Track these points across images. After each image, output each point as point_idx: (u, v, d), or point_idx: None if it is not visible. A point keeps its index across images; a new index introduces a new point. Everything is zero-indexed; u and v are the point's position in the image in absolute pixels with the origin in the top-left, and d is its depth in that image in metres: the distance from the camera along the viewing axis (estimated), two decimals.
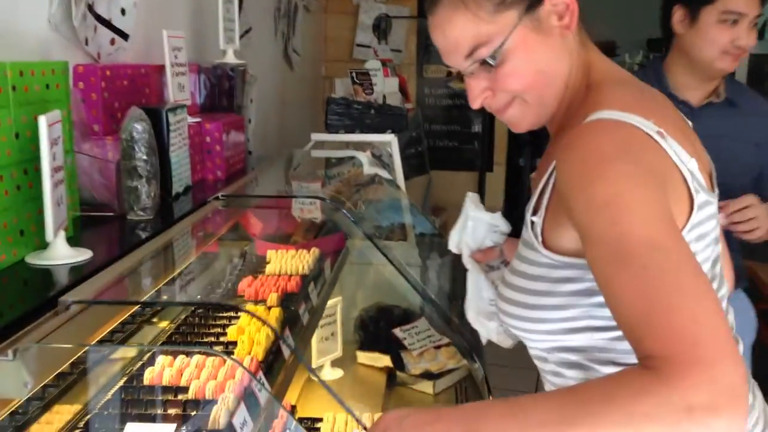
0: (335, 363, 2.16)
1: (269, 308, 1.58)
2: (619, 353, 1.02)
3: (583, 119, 0.99)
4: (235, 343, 1.43)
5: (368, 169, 2.54)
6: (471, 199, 1.31)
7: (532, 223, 1.05)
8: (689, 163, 0.99)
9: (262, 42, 3.35)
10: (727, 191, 1.96)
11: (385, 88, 3.32)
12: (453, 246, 1.34)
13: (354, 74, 3.10)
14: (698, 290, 0.83)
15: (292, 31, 3.95)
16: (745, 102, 2.01)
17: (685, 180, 0.99)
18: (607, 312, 0.95)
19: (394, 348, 2.18)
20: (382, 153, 2.94)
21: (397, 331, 2.22)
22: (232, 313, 1.60)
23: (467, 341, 1.98)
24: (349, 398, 2.03)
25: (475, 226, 1.31)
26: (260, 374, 1.27)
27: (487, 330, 1.29)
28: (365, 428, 1.27)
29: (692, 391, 0.77)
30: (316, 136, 2.72)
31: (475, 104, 1.10)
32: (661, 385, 0.78)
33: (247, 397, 1.21)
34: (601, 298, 0.93)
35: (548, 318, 1.04)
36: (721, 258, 1.14)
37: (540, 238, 1.04)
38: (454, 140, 5.03)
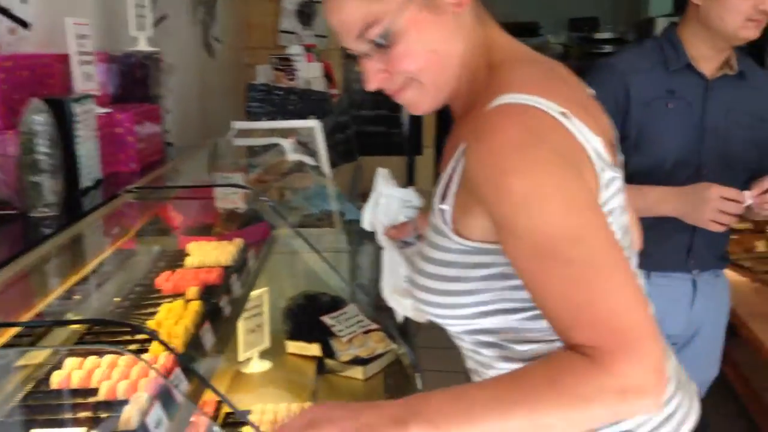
0: (263, 354, 2.13)
1: (188, 302, 1.53)
2: (534, 332, 1.02)
3: (487, 103, 0.97)
4: (150, 341, 1.38)
5: (292, 156, 2.50)
6: (382, 176, 1.29)
7: (442, 210, 1.03)
8: (594, 141, 0.98)
9: (179, 29, 3.26)
10: (735, 164, 1.94)
11: (309, 73, 3.27)
12: (366, 224, 1.32)
13: (275, 60, 3.04)
14: (620, 277, 0.88)
15: (213, 18, 3.85)
16: (752, 74, 1.96)
17: (591, 160, 0.97)
18: (520, 294, 0.98)
19: (323, 336, 2.16)
20: (309, 140, 2.90)
21: (326, 319, 2.20)
22: (150, 309, 1.55)
23: (396, 325, 1.97)
24: (279, 389, 2.00)
25: (388, 203, 1.28)
26: (177, 371, 1.23)
27: (402, 307, 1.27)
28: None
29: (624, 375, 0.84)
30: (238, 125, 2.66)
31: (371, 86, 1.06)
32: (597, 371, 0.85)
33: (163, 395, 1.17)
34: (514, 281, 0.97)
35: (462, 303, 1.03)
36: (631, 225, 1.16)
37: (451, 225, 1.02)
38: (382, 125, 5.02)
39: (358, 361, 2.08)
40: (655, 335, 0.87)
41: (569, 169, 0.92)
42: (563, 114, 0.95)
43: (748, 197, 1.74)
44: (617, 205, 1.04)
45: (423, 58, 1.03)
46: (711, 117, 1.88)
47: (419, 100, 1.08)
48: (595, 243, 0.89)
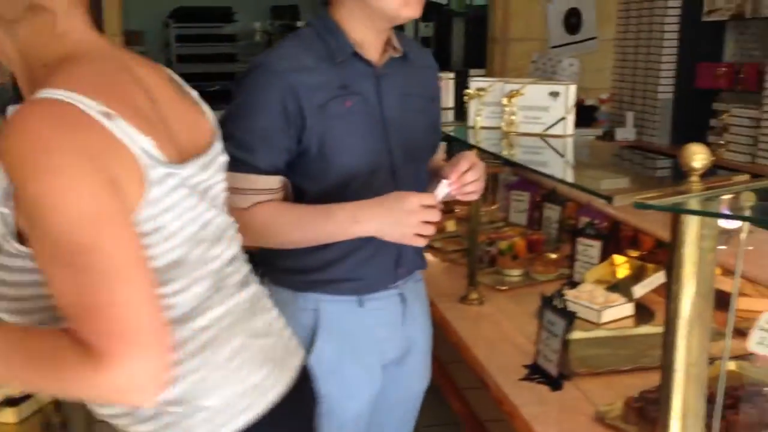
0: None
1: None
2: None
3: None
4: None
5: None
6: None
7: (1, 213, 1.00)
8: (142, 141, 0.99)
9: None
10: (420, 154, 1.78)
11: None
12: None
13: None
14: (131, 285, 0.94)
15: None
16: (415, 53, 1.80)
17: (136, 159, 0.99)
18: None
19: None
20: None
21: None
22: None
23: None
24: None
25: None
26: None
27: None
28: None
29: (115, 378, 0.92)
30: None
31: None
32: (94, 371, 0.92)
33: None
34: None
35: (30, 309, 1.04)
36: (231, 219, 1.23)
37: (12, 228, 1.00)
38: None
39: (9, 402, 1.77)
40: (163, 345, 0.96)
41: (95, 174, 0.93)
42: (105, 114, 0.95)
43: (446, 185, 1.61)
44: (181, 199, 1.06)
45: None
46: (388, 107, 1.71)
47: None
48: (109, 252, 0.93)
